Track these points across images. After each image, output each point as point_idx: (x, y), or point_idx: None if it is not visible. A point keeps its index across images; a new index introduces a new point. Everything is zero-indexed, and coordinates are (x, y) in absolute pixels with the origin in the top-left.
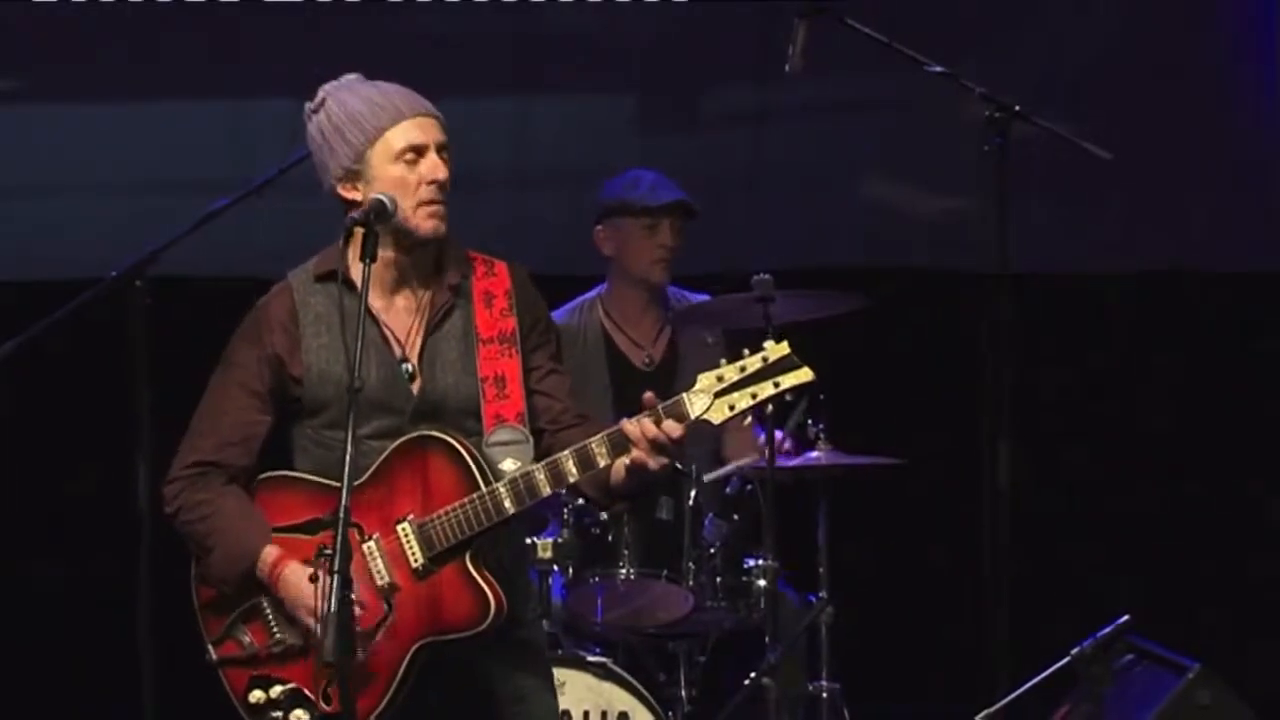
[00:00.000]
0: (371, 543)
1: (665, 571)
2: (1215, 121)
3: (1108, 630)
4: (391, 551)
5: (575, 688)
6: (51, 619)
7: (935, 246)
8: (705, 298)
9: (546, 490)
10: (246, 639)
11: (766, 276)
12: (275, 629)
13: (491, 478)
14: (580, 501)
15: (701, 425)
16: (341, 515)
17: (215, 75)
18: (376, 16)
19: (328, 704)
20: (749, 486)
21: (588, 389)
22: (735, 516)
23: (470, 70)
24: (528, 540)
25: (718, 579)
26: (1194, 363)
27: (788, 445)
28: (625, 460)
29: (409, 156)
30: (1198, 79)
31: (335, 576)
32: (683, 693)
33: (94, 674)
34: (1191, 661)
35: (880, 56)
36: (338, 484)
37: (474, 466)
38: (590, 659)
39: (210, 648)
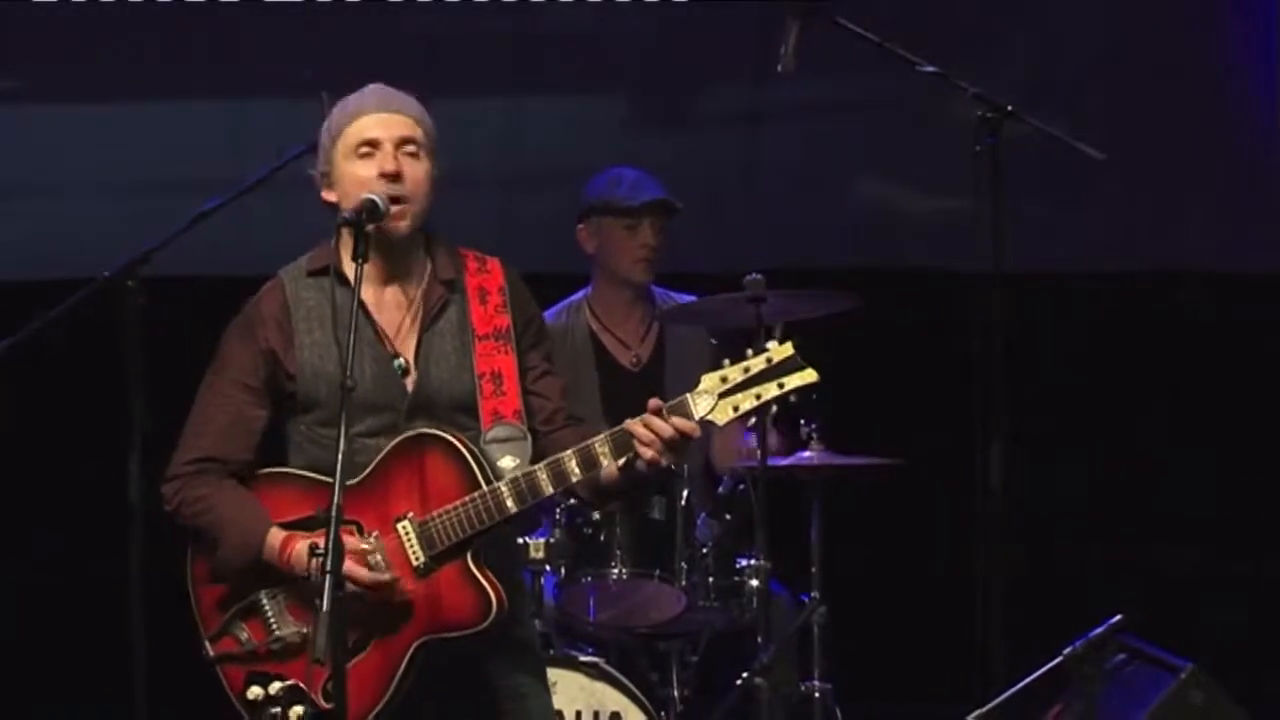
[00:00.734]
0: (371, 541)
1: (658, 571)
2: (1211, 121)
3: (1100, 630)
4: (392, 550)
5: (568, 687)
6: (44, 613)
7: (928, 246)
8: (692, 298)
9: (549, 490)
10: (245, 635)
11: (758, 276)
12: (274, 626)
13: (493, 476)
14: (572, 501)
15: (706, 425)
16: (333, 514)
17: (213, 76)
18: (372, 18)
19: (327, 701)
20: (741, 486)
21: (577, 389)
22: (728, 516)
23: (465, 71)
24: (520, 540)
25: (710, 579)
26: (1189, 362)
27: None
28: (625, 461)
29: (363, 151)
30: (1194, 79)
31: (329, 576)
32: (675, 692)
33: (86, 668)
34: (1184, 661)
35: (873, 57)
36: (332, 481)
37: (474, 465)
38: (583, 659)
39: (207, 644)
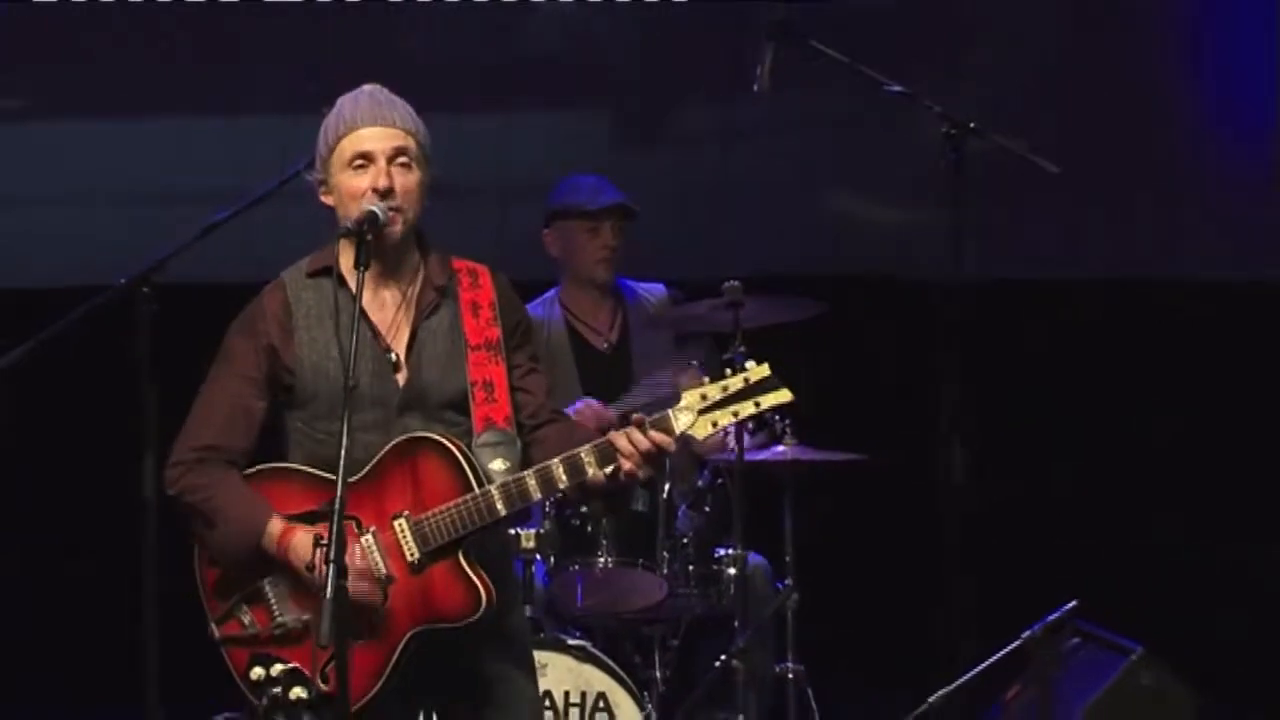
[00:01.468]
0: (370, 536)
1: (641, 560)
2: (1163, 134)
3: (1056, 615)
4: (389, 545)
5: (556, 669)
6: (62, 596)
7: (894, 254)
8: (658, 287)
9: (537, 495)
10: (249, 619)
11: (736, 283)
12: (277, 612)
13: (485, 480)
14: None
15: (686, 440)
16: (337, 507)
17: (218, 92)
18: (368, 37)
19: (325, 683)
20: (719, 480)
21: (556, 372)
22: (707, 509)
23: (460, 89)
24: (512, 531)
25: (690, 567)
26: (1141, 363)
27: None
28: (609, 471)
29: (357, 164)
30: (1146, 93)
31: (331, 565)
32: (657, 674)
33: (101, 649)
34: (1135, 644)
35: (843, 76)
36: (331, 476)
37: (468, 469)
38: (571, 642)
39: (213, 626)
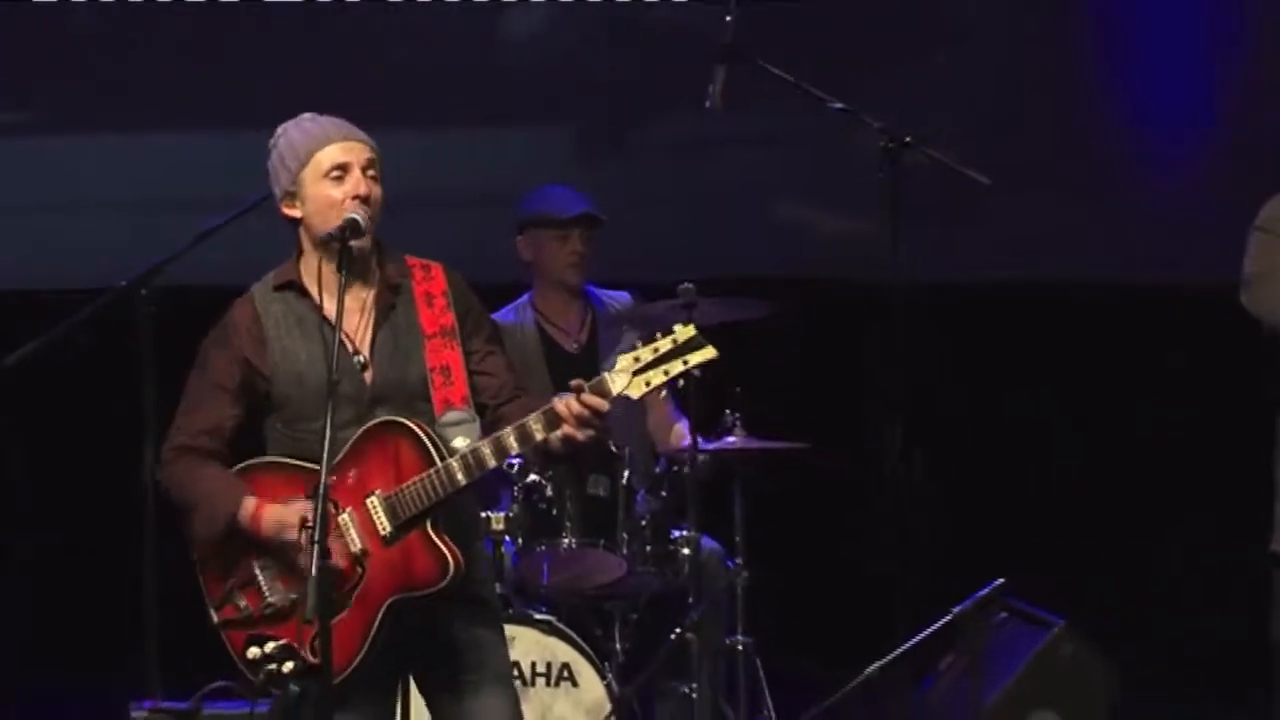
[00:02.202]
0: (345, 515)
1: (602, 541)
2: (1093, 142)
3: (985, 592)
4: (362, 522)
5: (524, 642)
6: (69, 580)
7: (839, 260)
8: (623, 295)
9: (493, 462)
10: (243, 603)
11: (690, 285)
12: (267, 593)
13: (446, 454)
14: (529, 480)
15: (623, 399)
16: (321, 493)
17: (207, 108)
18: (352, 57)
19: (314, 656)
20: (675, 467)
21: (529, 372)
22: (663, 493)
23: (437, 105)
24: (484, 514)
25: (647, 547)
26: (1067, 359)
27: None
28: (558, 434)
29: (335, 174)
30: (1077, 102)
31: (316, 545)
32: (617, 646)
33: (104, 628)
34: (1057, 619)
35: (791, 95)
36: (310, 464)
37: (430, 445)
38: (537, 617)
39: (212, 611)
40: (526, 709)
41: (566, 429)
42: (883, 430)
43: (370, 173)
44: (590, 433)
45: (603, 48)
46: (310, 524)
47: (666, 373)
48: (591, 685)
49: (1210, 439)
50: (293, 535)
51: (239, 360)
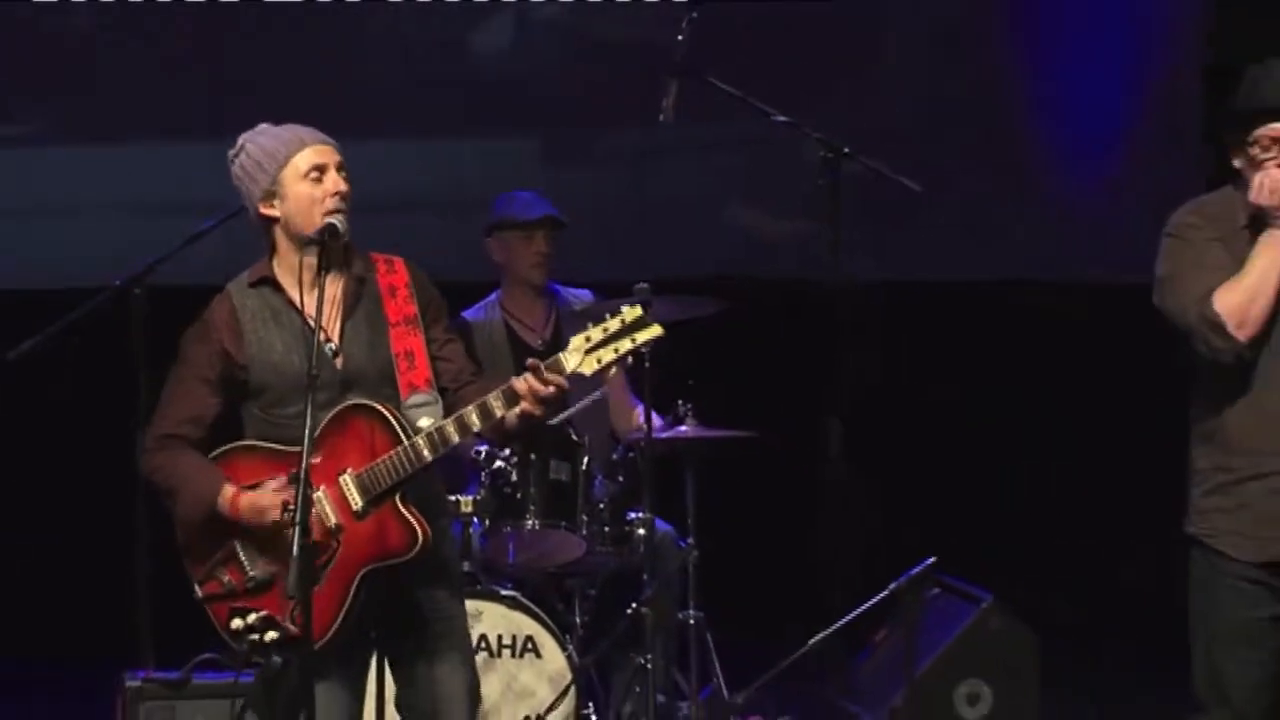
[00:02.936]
0: (320, 493)
1: (563, 522)
2: (1013, 154)
3: (919, 569)
4: (335, 499)
5: (491, 616)
6: (66, 557)
7: (783, 261)
8: (585, 294)
9: (457, 438)
10: (226, 578)
11: (645, 285)
12: (249, 568)
13: (411, 433)
14: (496, 466)
15: (577, 376)
16: (302, 476)
17: (197, 120)
18: (330, 70)
19: (294, 625)
20: (631, 454)
21: (496, 366)
22: (620, 478)
23: (411, 118)
24: (453, 498)
25: (605, 528)
26: (995, 352)
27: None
28: (517, 410)
29: (313, 175)
30: (1004, 113)
31: (297, 527)
32: (577, 620)
33: (99, 604)
34: (985, 594)
35: (737, 108)
36: (286, 448)
37: (397, 425)
38: (503, 593)
39: (197, 587)
40: (493, 678)
41: (525, 405)
42: (824, 420)
43: (343, 173)
44: (545, 409)
45: (564, 64)
46: (291, 507)
47: (616, 350)
48: (553, 656)
49: (1131, 427)
50: (269, 518)
51: (218, 353)
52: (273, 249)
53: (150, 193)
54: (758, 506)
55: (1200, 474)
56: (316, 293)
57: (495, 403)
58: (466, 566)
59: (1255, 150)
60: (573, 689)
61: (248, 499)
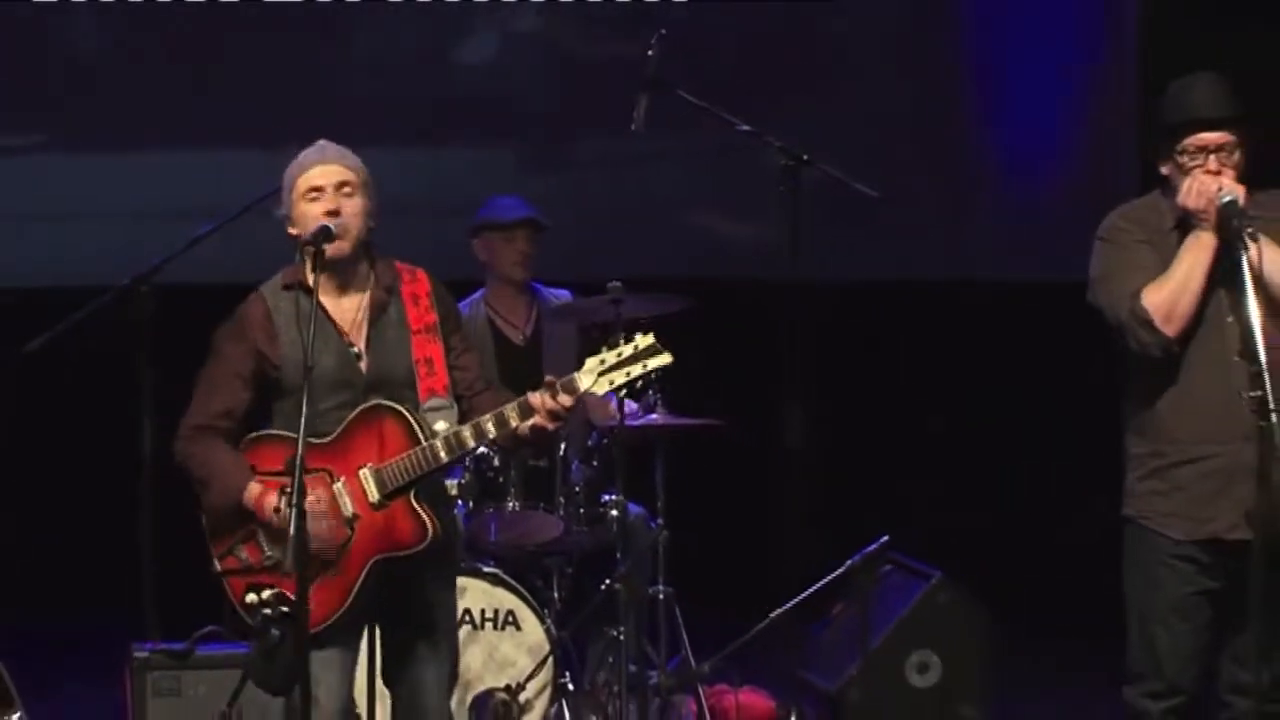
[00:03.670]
0: (340, 484)
1: (542, 504)
2: (960, 162)
3: (873, 548)
4: (354, 491)
5: (474, 591)
6: (77, 536)
7: (746, 261)
8: (564, 293)
9: (472, 444)
10: (244, 555)
11: (618, 283)
12: (266, 549)
13: (430, 434)
14: (479, 451)
15: (589, 395)
16: (298, 463)
17: (198, 131)
18: (323, 87)
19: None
20: (605, 441)
21: (481, 360)
22: (595, 463)
23: (400, 128)
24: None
25: (581, 510)
26: (940, 346)
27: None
28: (530, 422)
29: (311, 195)
30: (947, 126)
31: (294, 510)
32: (555, 595)
33: (108, 580)
34: (934, 571)
35: (704, 119)
36: (310, 440)
37: (416, 426)
38: (486, 570)
39: (216, 561)
40: (476, 649)
41: (538, 419)
42: (784, 409)
43: (345, 190)
44: (559, 424)
45: (542, 78)
46: (289, 490)
47: (628, 374)
48: (533, 629)
49: (1068, 414)
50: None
51: (253, 351)
52: (302, 255)
53: (151, 198)
54: (723, 490)
55: (1135, 459)
56: (314, 289)
57: (510, 413)
58: None
59: (1184, 158)
60: (550, 659)
61: (271, 504)
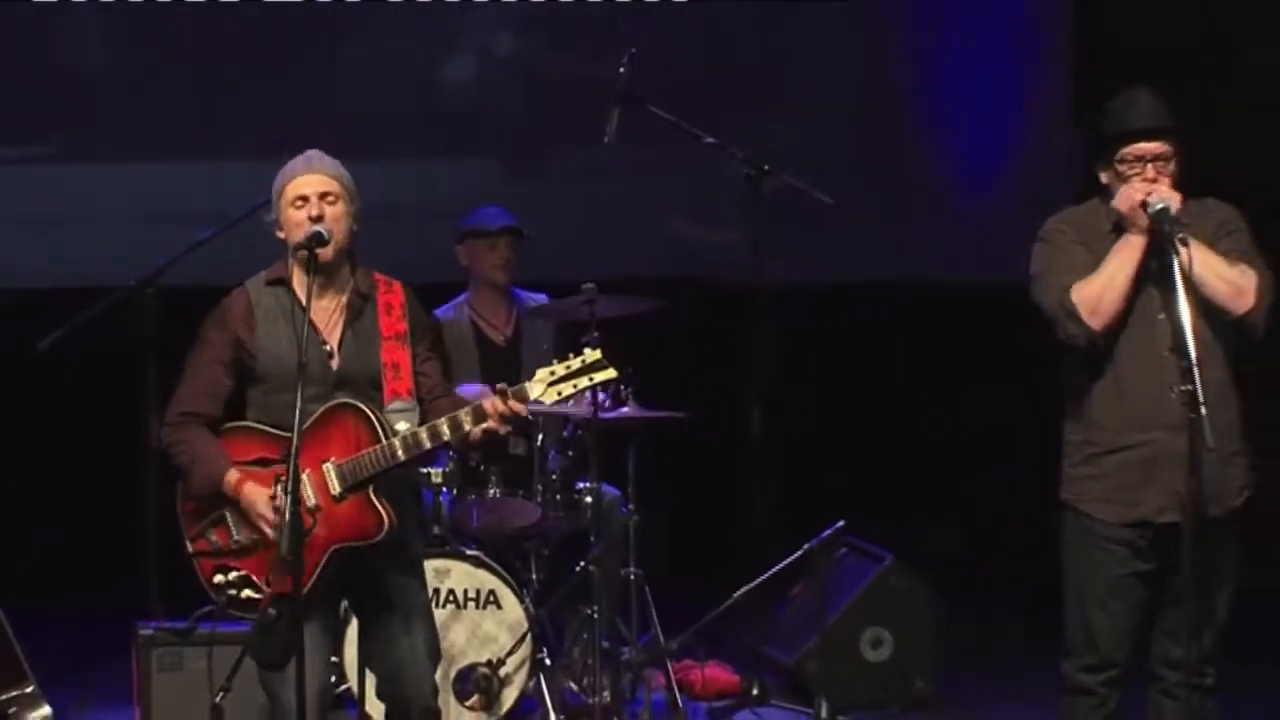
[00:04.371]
0: (305, 476)
1: (521, 491)
2: (911, 171)
3: (829, 532)
4: (318, 483)
5: (457, 573)
6: (85, 521)
7: (712, 264)
8: (542, 296)
9: (428, 444)
10: (214, 538)
11: (591, 285)
12: (234, 533)
13: (390, 434)
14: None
15: (538, 404)
16: (293, 453)
17: (198, 144)
18: (316, 101)
19: (268, 586)
20: (580, 432)
21: (464, 359)
22: (570, 453)
23: (388, 141)
24: (425, 470)
25: (558, 496)
26: (894, 342)
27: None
28: (482, 426)
29: (297, 203)
30: (899, 138)
31: (288, 497)
32: (533, 576)
33: (113, 562)
34: (887, 553)
35: (672, 132)
36: (280, 432)
37: (378, 425)
38: (469, 552)
39: (188, 543)
40: (459, 627)
41: (490, 423)
42: (748, 401)
43: (328, 198)
44: (508, 428)
45: (522, 96)
46: (283, 478)
47: (575, 386)
48: (512, 607)
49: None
50: (258, 511)
51: (233, 340)
52: (287, 258)
53: (151, 206)
54: (690, 478)
55: (1070, 446)
56: (307, 293)
57: (464, 418)
58: (436, 530)
59: (1122, 167)
60: (529, 636)
61: (248, 489)
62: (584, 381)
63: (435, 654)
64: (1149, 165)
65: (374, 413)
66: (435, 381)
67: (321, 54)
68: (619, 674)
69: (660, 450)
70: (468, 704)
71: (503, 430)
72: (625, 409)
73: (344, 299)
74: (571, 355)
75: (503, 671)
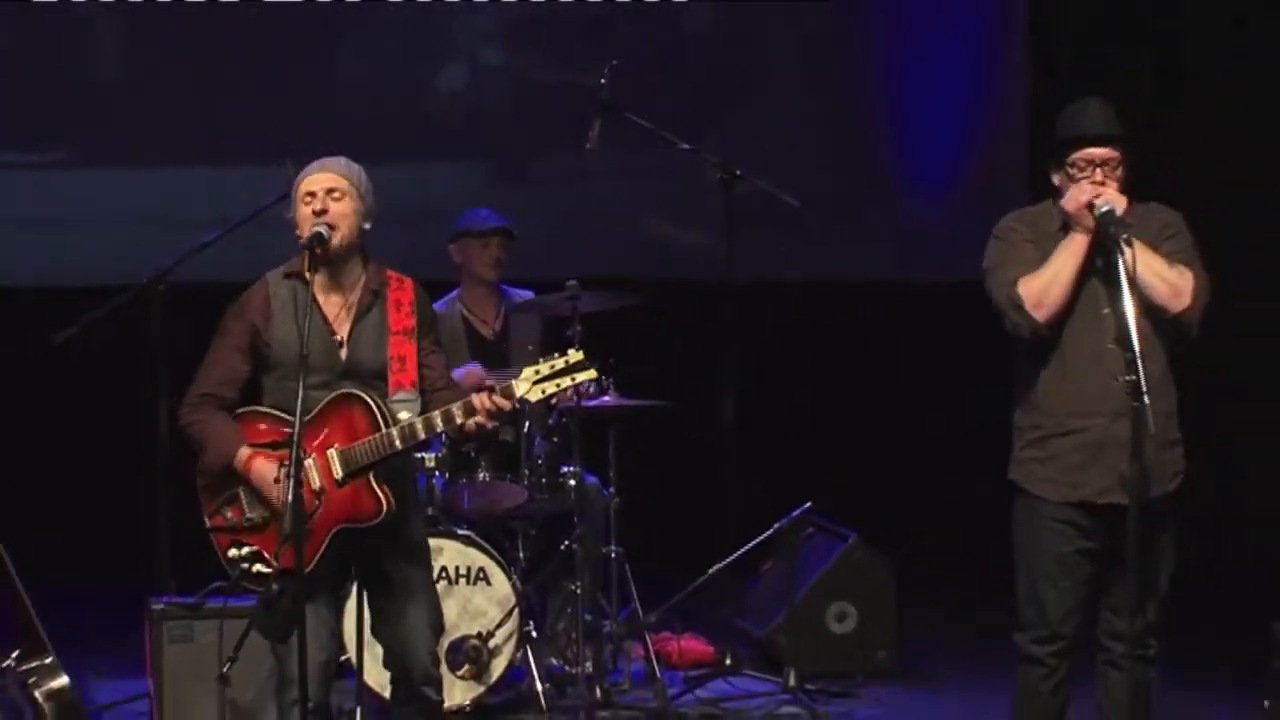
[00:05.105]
0: (310, 461)
1: (509, 475)
2: (875, 175)
3: (797, 513)
4: (322, 467)
5: (450, 551)
6: (102, 502)
7: (688, 263)
8: (529, 293)
9: (422, 435)
10: (229, 515)
11: (574, 282)
12: (247, 510)
13: (390, 423)
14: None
15: (524, 401)
16: (295, 438)
17: (204, 150)
18: (314, 108)
19: (277, 561)
20: (564, 419)
21: (455, 351)
22: (555, 439)
23: (385, 145)
24: (419, 455)
25: (543, 480)
26: (858, 336)
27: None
28: (473, 420)
29: (306, 199)
30: (862, 142)
31: (290, 479)
32: (520, 554)
33: (127, 540)
34: (851, 532)
35: (650, 138)
36: (291, 417)
37: (379, 415)
38: (460, 532)
39: (206, 519)
40: (451, 602)
41: (479, 417)
42: (721, 391)
43: (334, 195)
44: (496, 423)
45: (510, 104)
46: (287, 463)
47: (558, 385)
48: (501, 584)
49: (965, 396)
50: (267, 486)
51: (250, 329)
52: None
53: (156, 209)
54: (668, 462)
55: (1019, 431)
56: (309, 288)
57: (456, 411)
58: (430, 511)
59: (1073, 170)
60: (516, 610)
61: (258, 465)
62: (566, 381)
63: (438, 627)
64: (1097, 169)
65: (376, 402)
66: (438, 374)
67: (322, 66)
68: (601, 645)
69: (639, 437)
70: (459, 674)
71: (490, 425)
72: (606, 398)
73: (356, 293)
74: (556, 355)
75: (492, 643)
